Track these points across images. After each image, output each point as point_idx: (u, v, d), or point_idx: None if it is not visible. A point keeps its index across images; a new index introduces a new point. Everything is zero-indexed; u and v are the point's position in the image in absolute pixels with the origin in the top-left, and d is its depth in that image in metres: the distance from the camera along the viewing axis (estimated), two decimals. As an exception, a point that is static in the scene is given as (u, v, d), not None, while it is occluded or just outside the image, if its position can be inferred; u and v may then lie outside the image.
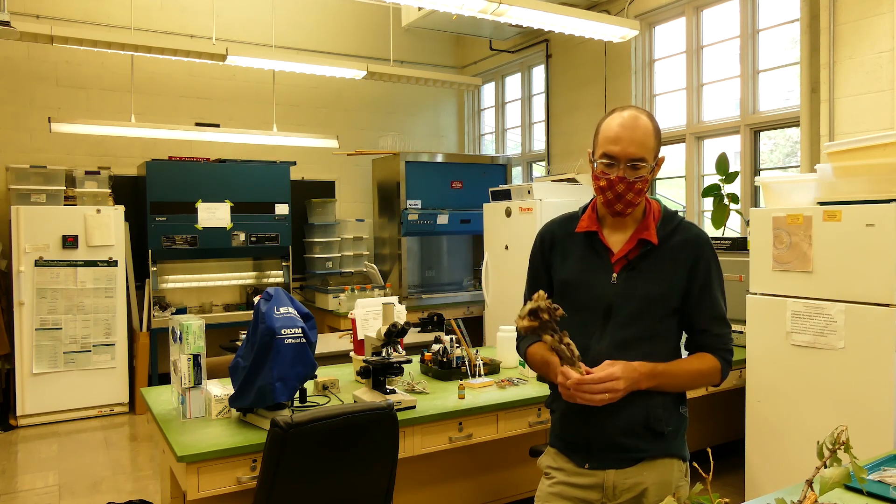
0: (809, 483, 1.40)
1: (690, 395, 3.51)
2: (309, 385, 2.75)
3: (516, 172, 7.00)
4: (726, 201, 4.17)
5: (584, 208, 1.75)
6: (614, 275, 1.63)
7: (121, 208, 5.35)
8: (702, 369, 1.66)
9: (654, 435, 1.62)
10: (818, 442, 1.42)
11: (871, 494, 1.53)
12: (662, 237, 1.65)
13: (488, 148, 7.68)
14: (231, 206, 5.79)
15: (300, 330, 2.34)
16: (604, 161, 1.59)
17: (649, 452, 1.62)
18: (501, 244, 5.40)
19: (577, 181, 5.48)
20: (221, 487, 2.21)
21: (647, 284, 1.62)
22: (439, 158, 6.46)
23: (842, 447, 1.39)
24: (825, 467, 1.36)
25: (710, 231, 4.38)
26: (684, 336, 1.75)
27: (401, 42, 6.65)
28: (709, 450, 1.54)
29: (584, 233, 1.69)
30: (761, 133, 4.71)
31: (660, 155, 1.65)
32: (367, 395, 2.61)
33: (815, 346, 2.91)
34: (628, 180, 1.58)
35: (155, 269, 5.57)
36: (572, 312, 1.61)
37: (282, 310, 2.35)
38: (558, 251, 1.73)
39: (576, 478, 1.65)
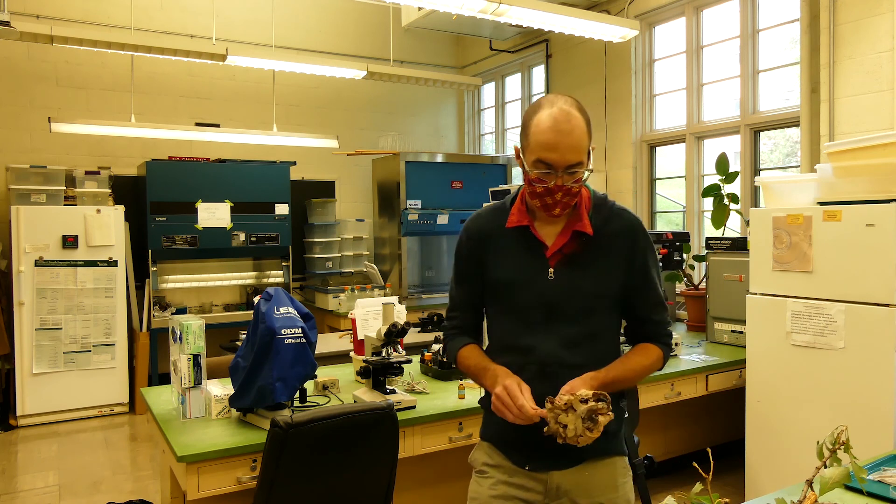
0: (809, 483, 1.40)
1: (689, 395, 3.52)
2: (309, 385, 2.75)
3: (516, 172, 6.99)
4: (726, 201, 4.17)
5: (513, 199, 1.64)
6: (550, 270, 1.56)
7: (121, 208, 5.35)
8: (647, 364, 1.62)
9: (602, 435, 1.53)
10: (818, 442, 1.42)
11: (871, 494, 1.53)
12: (597, 226, 1.58)
13: (488, 148, 7.68)
14: (231, 206, 5.79)
15: (300, 330, 2.33)
16: (540, 169, 1.48)
17: (591, 452, 1.56)
18: (501, 244, 5.39)
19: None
20: (221, 487, 2.20)
21: (587, 279, 1.57)
22: (439, 158, 6.46)
23: (842, 447, 1.39)
24: (825, 467, 1.36)
25: (711, 231, 4.38)
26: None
27: (401, 42, 6.65)
28: (709, 450, 1.54)
29: (515, 227, 1.60)
30: (761, 133, 4.71)
31: (591, 145, 1.55)
32: (367, 395, 2.61)
33: (815, 346, 2.91)
34: (566, 186, 1.49)
35: (155, 269, 5.57)
36: (512, 313, 1.58)
37: (282, 310, 2.35)
38: (489, 248, 1.62)
39: (517, 478, 1.59)
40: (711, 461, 1.54)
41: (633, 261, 1.61)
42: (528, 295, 1.57)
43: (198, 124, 5.65)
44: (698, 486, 1.32)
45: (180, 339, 2.53)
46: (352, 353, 3.31)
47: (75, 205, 5.24)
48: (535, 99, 6.83)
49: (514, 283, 1.58)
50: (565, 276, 1.56)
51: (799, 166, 4.27)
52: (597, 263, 1.58)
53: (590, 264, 1.57)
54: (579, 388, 1.46)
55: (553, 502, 1.59)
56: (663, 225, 5.59)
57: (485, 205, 1.76)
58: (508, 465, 1.61)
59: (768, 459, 3.13)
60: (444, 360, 3.14)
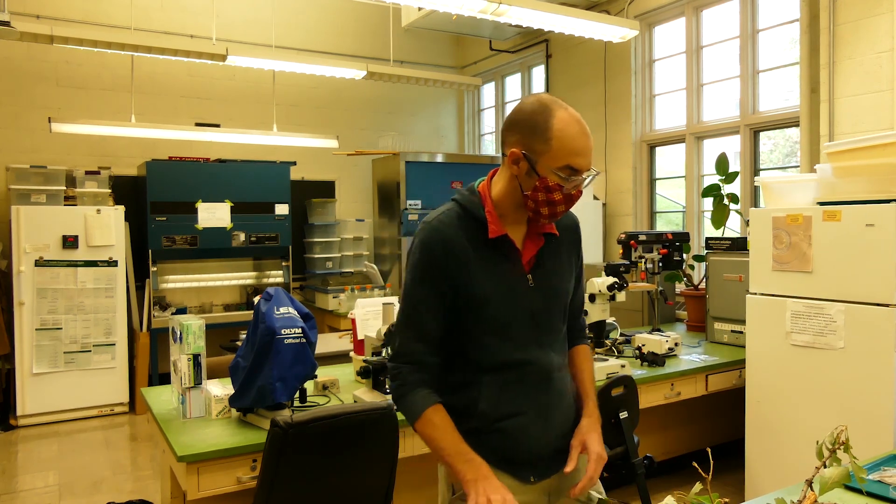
0: (809, 483, 1.40)
1: (689, 395, 3.52)
2: (309, 385, 2.75)
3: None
4: (726, 201, 4.17)
5: (475, 206, 1.50)
6: (528, 276, 1.51)
7: (121, 208, 5.35)
8: (592, 366, 1.72)
9: (573, 428, 1.59)
10: (818, 442, 1.42)
11: (871, 494, 1.53)
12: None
13: (488, 148, 7.68)
14: (231, 206, 5.79)
15: (300, 330, 2.34)
16: (565, 175, 1.41)
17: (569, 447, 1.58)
18: (501, 244, 5.40)
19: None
20: (221, 487, 2.21)
21: (557, 280, 1.56)
22: (439, 158, 6.46)
23: (841, 447, 1.39)
24: (825, 467, 1.37)
25: (710, 231, 4.39)
26: None
27: (401, 42, 6.65)
28: (709, 450, 1.54)
29: (493, 237, 1.49)
30: (761, 133, 4.71)
31: None
32: (367, 395, 2.61)
33: (814, 346, 2.92)
34: (581, 193, 1.47)
35: (155, 269, 5.57)
36: (502, 327, 1.48)
37: (282, 310, 2.35)
38: (466, 262, 1.46)
39: (522, 496, 1.50)
40: (711, 461, 1.54)
41: (578, 259, 1.65)
42: (514, 307, 1.49)
43: (198, 124, 5.65)
44: (698, 486, 1.32)
45: (180, 339, 2.53)
46: (352, 353, 3.31)
47: (75, 205, 5.24)
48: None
49: (497, 297, 1.47)
50: (542, 282, 1.53)
51: (799, 166, 4.27)
52: (560, 263, 1.58)
53: (555, 265, 1.56)
54: (594, 440, 1.53)
55: (555, 502, 1.60)
56: (663, 225, 5.60)
57: (433, 211, 1.54)
58: (514, 483, 1.51)
59: (768, 459, 3.13)
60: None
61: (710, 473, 1.36)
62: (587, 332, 1.75)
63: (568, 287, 1.60)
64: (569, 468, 1.50)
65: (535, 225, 1.53)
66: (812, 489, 1.36)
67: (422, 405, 1.46)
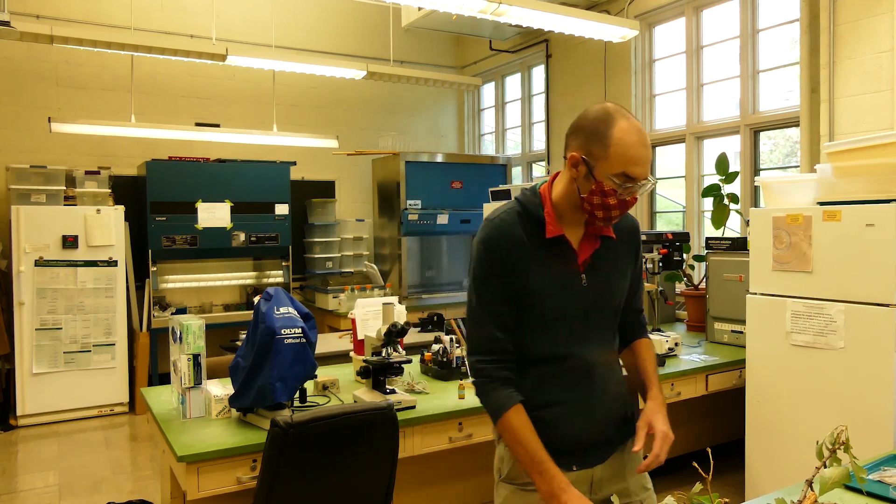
0: (809, 483, 1.40)
1: (689, 395, 3.52)
2: (309, 385, 2.75)
3: (516, 172, 7.00)
4: (726, 201, 4.17)
5: (535, 206, 1.58)
6: (583, 276, 1.58)
7: (121, 208, 5.35)
8: (655, 358, 1.77)
9: (626, 421, 1.67)
10: (817, 442, 1.42)
11: (871, 494, 1.53)
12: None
13: (488, 148, 7.68)
14: (231, 206, 5.79)
15: (300, 330, 2.34)
16: (621, 182, 1.47)
17: (621, 441, 1.66)
18: (501, 244, 5.40)
19: (577, 181, 5.48)
20: (221, 487, 2.21)
21: (611, 282, 1.63)
22: (439, 158, 6.46)
23: (841, 447, 1.39)
24: (825, 467, 1.37)
25: (710, 231, 4.39)
26: None
27: (401, 42, 6.65)
28: (709, 450, 1.54)
29: (551, 237, 1.57)
30: (761, 133, 4.71)
31: None
32: (367, 395, 2.61)
33: (814, 346, 2.92)
34: (636, 198, 1.52)
35: (155, 269, 5.57)
36: (551, 322, 1.56)
37: (282, 310, 2.35)
38: (527, 258, 1.55)
39: None
40: (711, 461, 1.54)
41: (636, 258, 1.71)
42: (564, 303, 1.57)
43: (198, 124, 5.65)
44: (698, 486, 1.32)
45: (180, 339, 2.53)
46: (352, 353, 3.31)
47: (75, 205, 5.24)
48: (534, 99, 6.85)
49: (550, 294, 1.56)
50: (595, 282, 1.60)
51: (799, 166, 4.27)
52: (614, 265, 1.64)
53: (609, 267, 1.63)
54: (659, 420, 1.60)
55: (595, 495, 1.63)
56: (663, 225, 5.59)
57: (494, 210, 1.62)
58: None
59: (768, 459, 3.13)
60: (445, 360, 3.14)
61: (711, 473, 1.36)
62: (647, 328, 1.82)
63: (621, 288, 1.66)
64: (636, 447, 1.56)
65: (592, 227, 1.60)
66: (812, 489, 1.36)
67: (503, 406, 1.53)
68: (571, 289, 1.57)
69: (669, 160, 5.51)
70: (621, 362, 1.76)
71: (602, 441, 1.62)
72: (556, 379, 1.58)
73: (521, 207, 1.59)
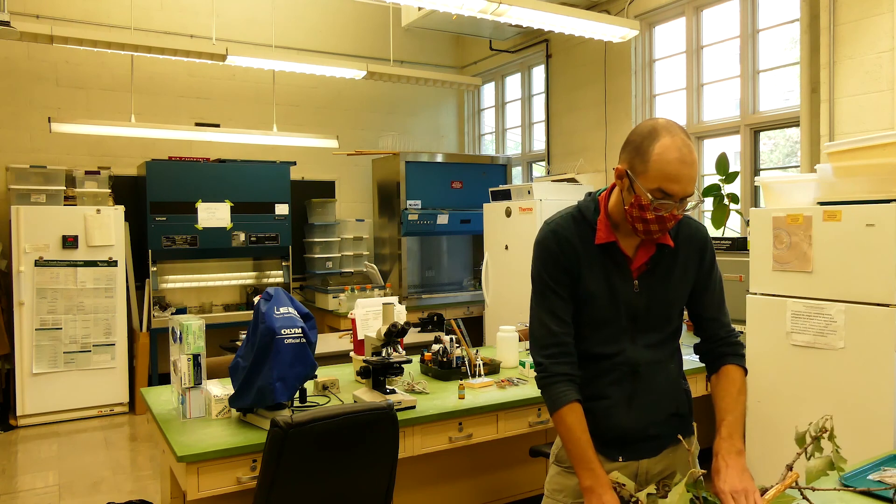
0: (789, 467, 1.42)
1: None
2: (309, 385, 2.75)
3: (516, 172, 7.00)
4: (726, 201, 4.17)
5: (593, 212, 1.64)
6: (635, 282, 1.63)
7: (121, 208, 5.35)
8: (742, 391, 1.72)
9: (680, 419, 1.72)
10: (797, 428, 1.44)
11: (871, 494, 1.53)
12: (672, 237, 1.65)
13: (488, 148, 7.68)
14: (231, 206, 5.79)
15: (300, 330, 2.33)
16: (659, 199, 1.50)
17: (674, 437, 1.68)
18: (501, 244, 5.40)
19: (576, 181, 5.48)
20: (221, 487, 2.20)
21: (666, 289, 1.65)
22: (439, 158, 6.46)
23: (825, 435, 1.41)
24: (806, 455, 1.38)
25: (711, 231, 4.38)
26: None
27: (401, 42, 6.65)
28: (710, 450, 1.55)
29: (602, 243, 1.62)
30: (761, 133, 4.71)
31: None
32: (367, 395, 2.61)
33: (815, 346, 2.91)
34: (678, 216, 1.54)
35: (155, 269, 5.57)
36: (600, 323, 1.63)
37: (282, 310, 2.35)
38: (580, 260, 1.62)
39: (608, 468, 1.63)
40: (711, 461, 1.54)
41: (703, 266, 1.70)
42: (616, 307, 1.62)
43: (198, 124, 5.65)
44: (689, 478, 1.32)
45: (180, 339, 2.53)
46: (352, 353, 3.31)
47: (75, 205, 5.24)
48: (534, 99, 6.84)
49: (603, 296, 1.62)
50: (649, 288, 1.64)
51: (799, 166, 4.27)
52: (674, 273, 1.66)
53: (667, 274, 1.65)
54: (721, 479, 1.50)
55: (643, 488, 1.63)
56: (663, 225, 5.58)
57: (555, 213, 1.70)
58: (602, 458, 1.61)
59: (768, 459, 3.13)
60: (445, 360, 3.14)
61: (711, 473, 1.35)
62: (741, 348, 1.76)
63: (678, 296, 1.68)
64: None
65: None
66: (790, 472, 1.38)
67: (559, 401, 1.59)
68: (622, 293, 1.62)
69: (669, 160, 5.50)
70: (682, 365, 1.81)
71: (650, 436, 1.65)
72: (604, 375, 1.64)
73: (578, 213, 1.67)
